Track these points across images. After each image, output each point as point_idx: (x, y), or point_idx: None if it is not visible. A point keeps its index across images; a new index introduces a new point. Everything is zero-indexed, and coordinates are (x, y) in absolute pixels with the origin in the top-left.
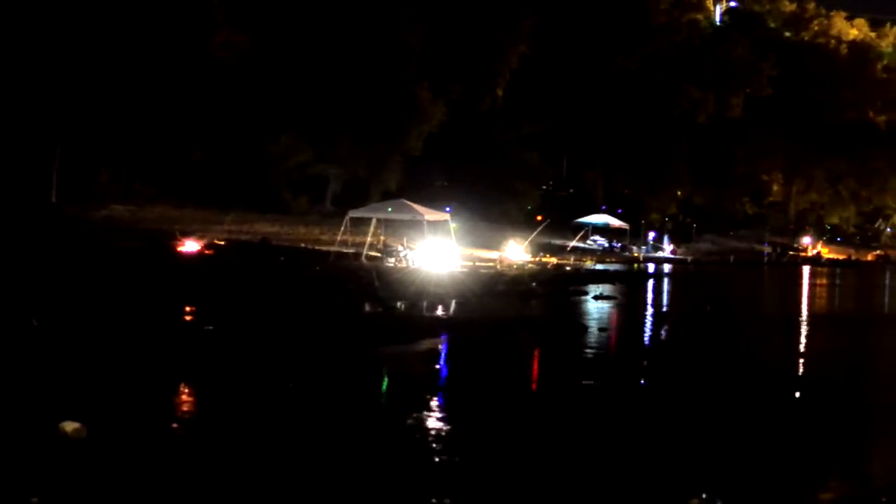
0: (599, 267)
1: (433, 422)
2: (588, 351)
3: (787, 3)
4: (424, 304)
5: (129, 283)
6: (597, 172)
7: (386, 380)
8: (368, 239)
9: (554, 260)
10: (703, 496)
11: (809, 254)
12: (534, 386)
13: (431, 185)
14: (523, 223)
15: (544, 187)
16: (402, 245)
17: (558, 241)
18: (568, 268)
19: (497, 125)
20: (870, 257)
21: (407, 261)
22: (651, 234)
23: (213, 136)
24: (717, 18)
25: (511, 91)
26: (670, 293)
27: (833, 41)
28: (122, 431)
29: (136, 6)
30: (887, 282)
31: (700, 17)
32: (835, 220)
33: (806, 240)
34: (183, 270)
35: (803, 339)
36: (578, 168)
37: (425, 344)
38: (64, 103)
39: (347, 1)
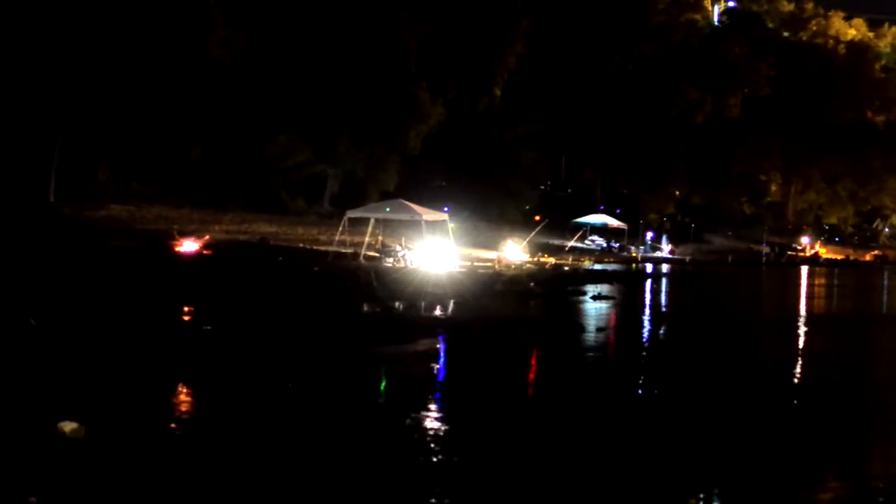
0: (598, 267)
1: (431, 422)
2: (586, 351)
3: (785, 2)
4: (422, 304)
5: (127, 282)
6: (595, 172)
7: (384, 380)
8: (366, 239)
9: (552, 260)
10: (702, 497)
11: (807, 254)
12: (531, 386)
13: (429, 185)
14: (521, 223)
15: (542, 187)
16: (401, 245)
17: (556, 241)
18: (566, 268)
19: (495, 125)
20: (868, 257)
21: (405, 261)
22: (649, 234)
23: (212, 136)
24: (715, 18)
25: (509, 91)
26: (668, 293)
27: (831, 41)
28: (120, 431)
29: (133, 6)
30: (885, 282)
31: (698, 17)
32: (833, 220)
33: (804, 240)
34: (181, 270)
35: (801, 340)
36: (577, 168)
37: (423, 344)
38: (62, 103)
39: (345, 1)
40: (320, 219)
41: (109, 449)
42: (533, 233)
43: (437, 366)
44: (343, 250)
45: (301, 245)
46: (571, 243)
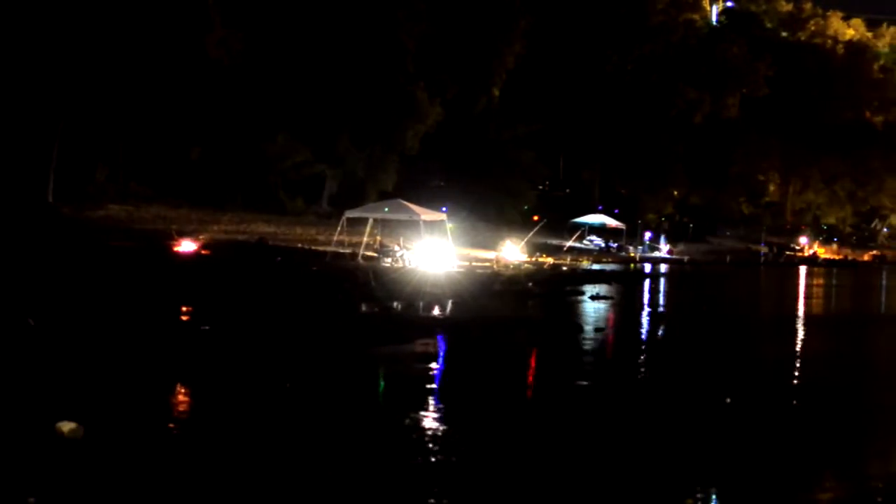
0: (596, 267)
1: (430, 422)
2: (584, 351)
3: (783, 2)
4: (421, 304)
5: (125, 282)
6: (593, 172)
7: (382, 380)
8: (365, 239)
9: (550, 260)
10: (699, 496)
11: (806, 254)
12: (530, 386)
13: (428, 185)
14: (520, 223)
15: (541, 187)
16: (399, 245)
17: (555, 241)
18: (564, 268)
19: (493, 125)
20: (866, 257)
21: (403, 261)
22: (647, 234)
23: (210, 136)
24: (714, 18)
25: (507, 91)
26: (667, 293)
27: (829, 41)
28: (118, 431)
29: (132, 6)
30: (884, 282)
31: (696, 17)
32: (831, 220)
33: (802, 240)
34: (179, 270)
35: (800, 340)
36: (575, 168)
37: (422, 344)
38: (61, 103)
39: (343, 1)
40: (319, 219)
41: (108, 449)
42: (531, 233)
43: (436, 366)
44: (341, 250)
45: (299, 245)
46: (570, 243)
